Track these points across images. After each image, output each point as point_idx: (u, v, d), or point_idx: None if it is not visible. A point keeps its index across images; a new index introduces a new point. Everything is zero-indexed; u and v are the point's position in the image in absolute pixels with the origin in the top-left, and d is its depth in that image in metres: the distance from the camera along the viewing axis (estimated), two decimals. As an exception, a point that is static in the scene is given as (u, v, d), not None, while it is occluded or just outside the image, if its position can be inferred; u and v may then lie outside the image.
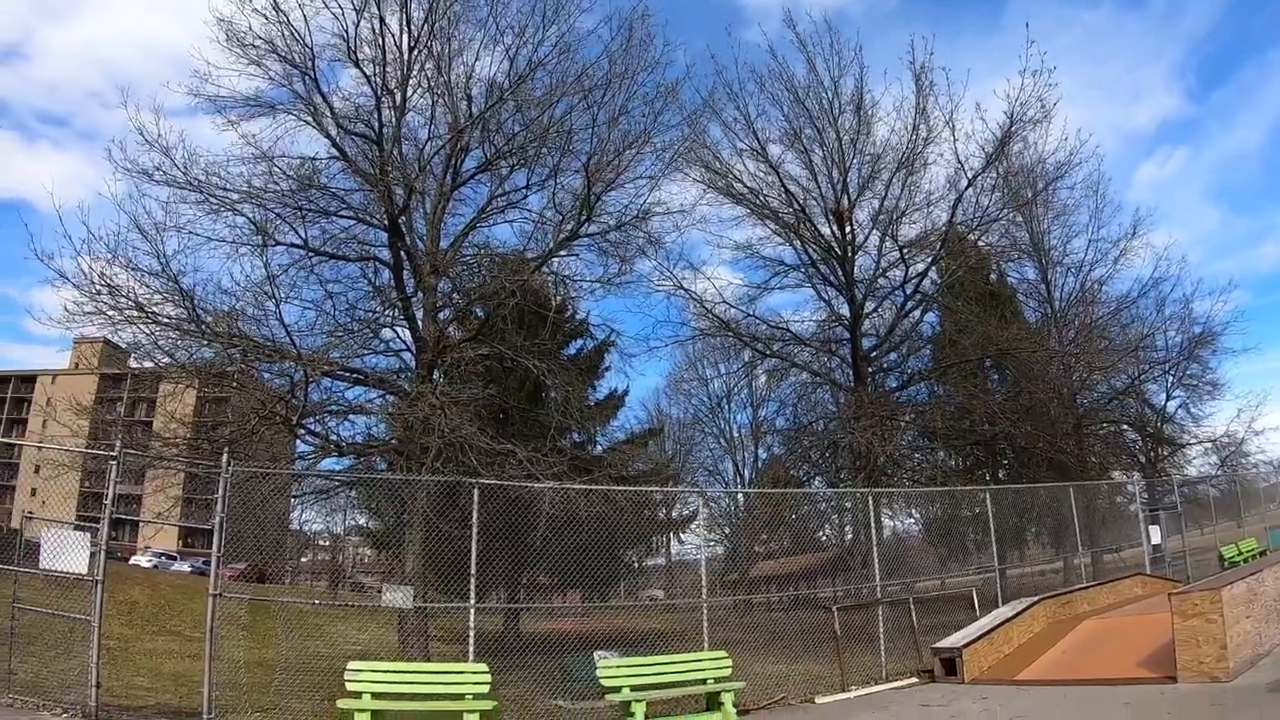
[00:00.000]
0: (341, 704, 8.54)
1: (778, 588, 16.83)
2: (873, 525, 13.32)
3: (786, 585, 16.74)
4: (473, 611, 9.87)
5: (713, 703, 10.00)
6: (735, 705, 9.87)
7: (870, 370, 20.67)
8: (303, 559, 18.07)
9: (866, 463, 18.04)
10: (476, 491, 10.25)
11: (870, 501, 13.66)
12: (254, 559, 11.58)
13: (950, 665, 11.46)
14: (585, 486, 12.29)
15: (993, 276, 24.44)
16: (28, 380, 76.79)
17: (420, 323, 14.42)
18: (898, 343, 21.30)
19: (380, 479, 13.50)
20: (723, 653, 10.53)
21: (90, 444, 14.02)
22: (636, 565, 17.81)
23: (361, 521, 17.86)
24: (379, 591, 12.52)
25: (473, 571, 9.90)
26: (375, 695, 8.75)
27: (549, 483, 11.83)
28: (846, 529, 22.42)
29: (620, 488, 13.60)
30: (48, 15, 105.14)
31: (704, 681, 10.08)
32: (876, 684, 11.57)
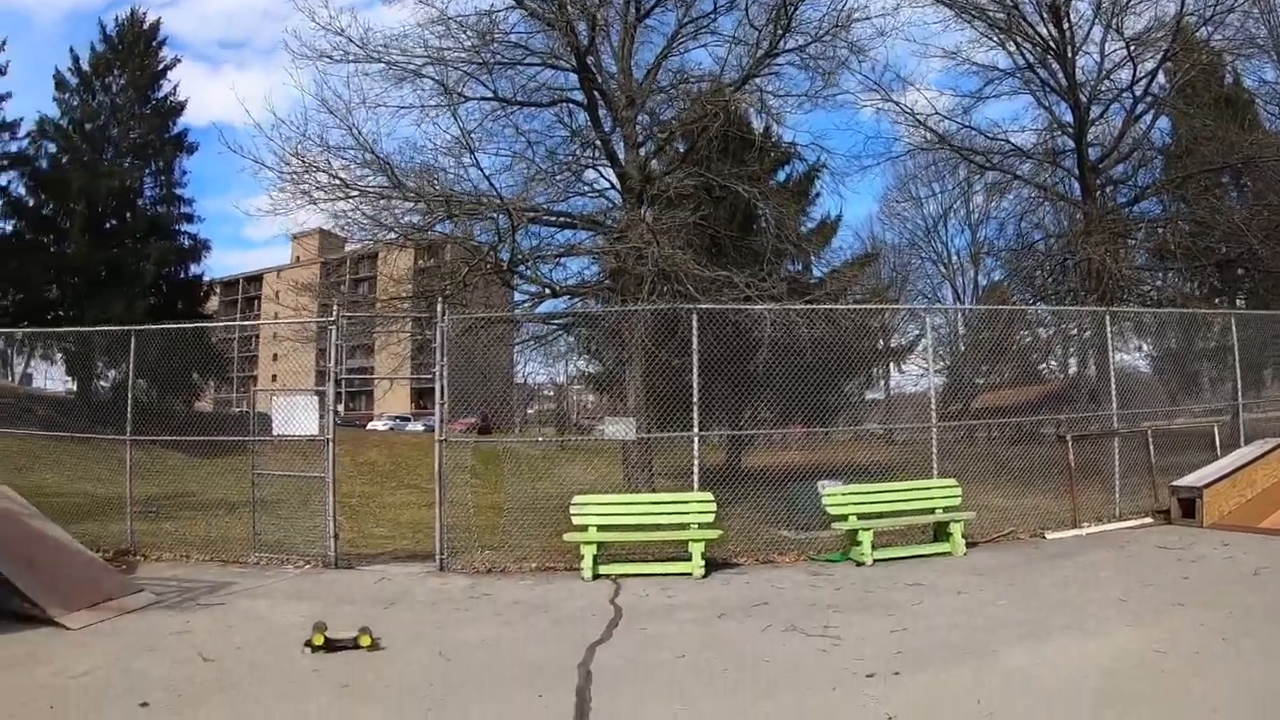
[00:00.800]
0: (568, 537, 8.94)
1: (1000, 420, 15.88)
2: (1109, 347, 12.07)
3: (1009, 418, 15.74)
4: (696, 440, 9.77)
5: (941, 533, 9.56)
6: (963, 537, 9.42)
7: (1098, 183, 18.81)
8: (529, 410, 19.00)
9: (1098, 284, 16.46)
10: (695, 317, 9.97)
11: (1106, 321, 12.34)
12: (481, 412, 12.28)
13: (1189, 507, 10.58)
14: (806, 307, 11.83)
15: (1228, 79, 20.78)
16: (255, 280, 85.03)
17: (622, 160, 14.26)
18: (1127, 153, 18.88)
19: (597, 313, 13.70)
20: (952, 481, 9.97)
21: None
22: (856, 398, 17.34)
23: (581, 366, 18.45)
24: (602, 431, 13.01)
25: (695, 399, 9.69)
26: (601, 528, 8.97)
27: (769, 305, 11.44)
28: (1070, 359, 20.71)
29: (843, 306, 13.08)
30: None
31: (932, 511, 9.66)
32: (1108, 522, 10.83)
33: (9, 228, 29.13)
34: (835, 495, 9.51)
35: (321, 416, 9.77)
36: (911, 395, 16.75)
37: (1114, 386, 11.84)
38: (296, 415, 9.83)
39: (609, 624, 6.95)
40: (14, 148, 29.65)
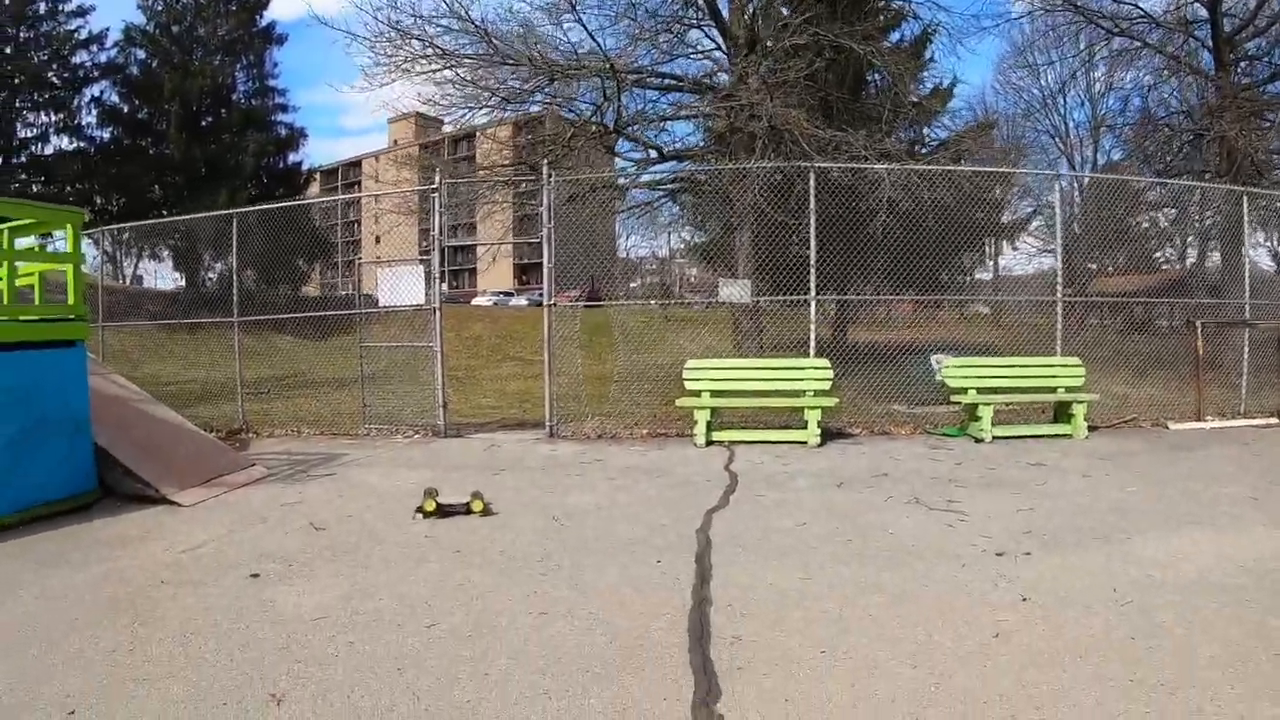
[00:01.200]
0: (681, 403, 8.51)
1: (1115, 308, 14.38)
2: (1245, 230, 10.56)
3: (1127, 304, 14.25)
4: (813, 304, 9.13)
5: (1061, 414, 8.89)
6: (1085, 420, 8.68)
7: (1233, 58, 16.74)
8: (632, 284, 18.55)
9: (1229, 165, 14.78)
10: (813, 175, 9.41)
11: (1244, 202, 10.73)
12: (584, 285, 11.74)
13: (1320, 410, 9.54)
14: (928, 168, 10.88)
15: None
16: (354, 165, 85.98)
17: (726, 16, 13.22)
18: (1264, 26, 16.58)
19: (711, 171, 12.88)
20: (1075, 360, 9.09)
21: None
22: (968, 274, 16.12)
23: (685, 236, 17.71)
24: (706, 305, 12.31)
25: (812, 260, 9.05)
26: (714, 393, 8.56)
27: (889, 165, 10.61)
28: (1190, 247, 18.63)
29: (966, 168, 11.99)
30: None
31: (1053, 390, 8.98)
32: (1232, 419, 9.95)
33: (106, 135, 29.73)
34: (955, 367, 8.85)
35: (427, 285, 9.38)
36: (1020, 277, 15.50)
37: (1247, 273, 10.54)
38: (402, 286, 9.50)
39: (725, 490, 6.50)
40: (103, 58, 29.96)
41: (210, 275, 23.05)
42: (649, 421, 9.32)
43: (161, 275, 29.16)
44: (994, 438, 8.31)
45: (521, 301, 44.97)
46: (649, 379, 9.89)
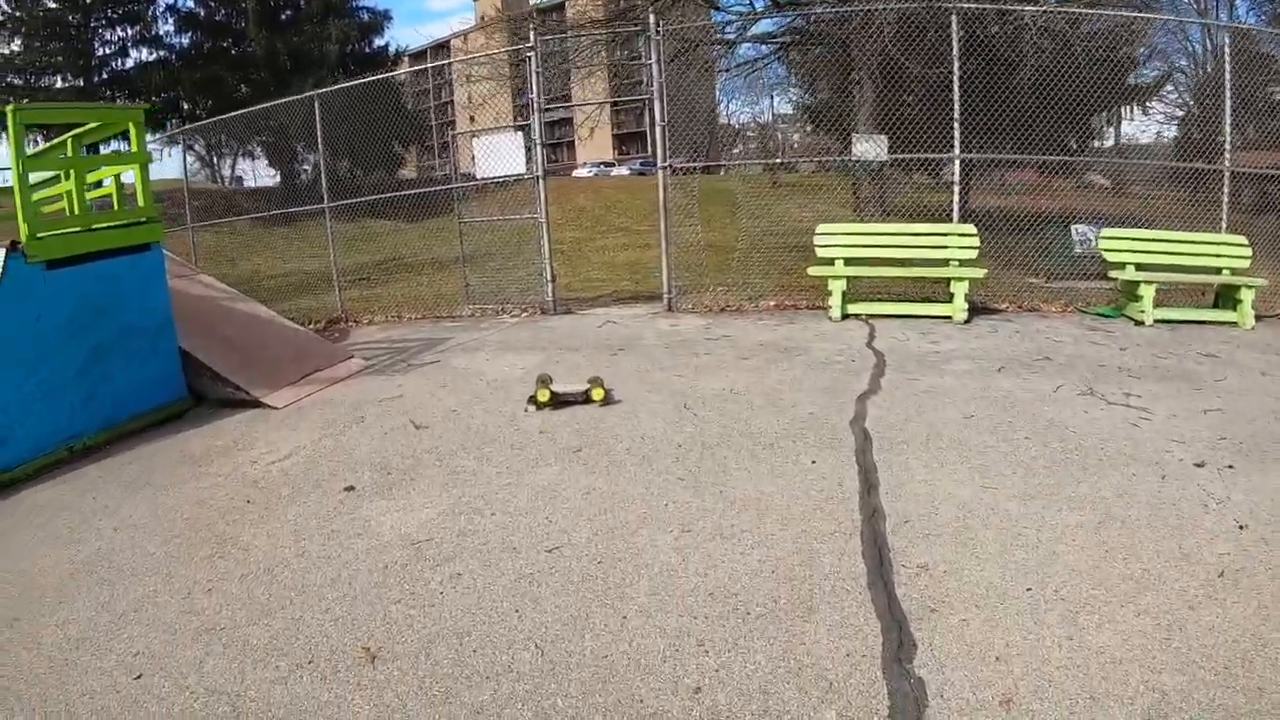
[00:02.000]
0: (813, 271, 7.41)
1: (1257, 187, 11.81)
2: None
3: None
4: (958, 164, 7.71)
5: (1224, 299, 7.31)
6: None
7: None
8: (734, 150, 17.31)
9: None
10: (955, 17, 7.77)
11: None
12: (688, 153, 10.53)
13: None
14: (1083, 10, 9.02)
15: None
16: (442, 47, 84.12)
17: None
18: None
19: (834, 11, 11.20)
20: (1242, 239, 7.42)
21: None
22: (1096, 140, 13.95)
23: (794, 97, 16.11)
24: (815, 169, 10.92)
25: (957, 112, 7.62)
26: (849, 260, 7.46)
27: (1039, 7, 8.89)
28: None
29: (1125, 13, 9.95)
30: None
31: (1218, 271, 7.37)
32: None
33: (185, 41, 29.15)
34: (1112, 239, 7.41)
35: (528, 152, 8.42)
36: (1144, 147, 13.14)
37: None
38: (501, 156, 8.59)
39: (873, 372, 5.50)
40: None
41: (304, 168, 22.72)
42: (775, 292, 8.27)
43: (260, 173, 29.14)
44: (1155, 321, 6.93)
45: (623, 171, 43.54)
46: (771, 247, 8.76)
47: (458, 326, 8.17)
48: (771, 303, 7.99)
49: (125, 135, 5.93)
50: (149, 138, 7.43)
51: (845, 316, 7.24)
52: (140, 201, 5.88)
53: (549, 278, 8.35)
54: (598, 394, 5.03)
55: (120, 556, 3.48)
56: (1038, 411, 4.61)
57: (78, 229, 5.52)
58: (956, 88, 7.62)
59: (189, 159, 13.60)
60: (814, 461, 3.94)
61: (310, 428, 5.12)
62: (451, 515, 3.62)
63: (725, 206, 10.15)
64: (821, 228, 7.59)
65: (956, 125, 7.64)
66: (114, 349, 5.31)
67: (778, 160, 13.09)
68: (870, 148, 8.33)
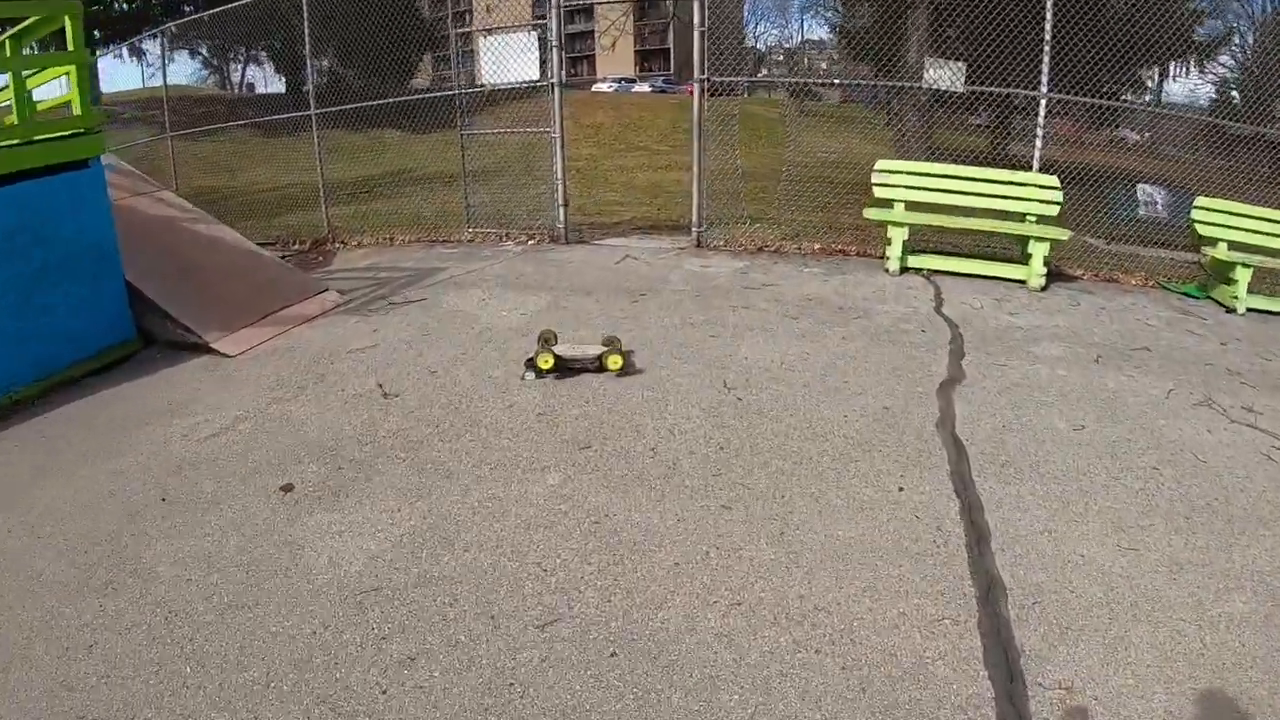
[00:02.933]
0: (870, 214, 6.23)
1: None
2: None
3: None
4: (1044, 103, 6.34)
5: None
6: None
7: None
8: (760, 72, 15.93)
9: None
10: None
11: None
12: (727, 68, 9.21)
13: None
14: None
15: None
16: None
17: None
18: None
19: None
20: None
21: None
22: (1146, 93, 12.40)
23: (828, 19, 14.63)
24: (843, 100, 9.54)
25: (1047, 39, 6.29)
26: (910, 205, 6.31)
27: None
28: None
29: None
30: None
31: None
32: None
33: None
34: (1207, 210, 6.06)
35: (543, 57, 7.19)
36: (1183, 105, 11.50)
37: None
38: (513, 59, 7.36)
39: (951, 350, 4.45)
40: None
41: (311, 75, 21.17)
42: (820, 232, 7.12)
43: (270, 81, 27.29)
44: (1247, 310, 5.70)
45: (645, 88, 41.39)
46: (814, 180, 7.56)
47: (454, 254, 7.11)
48: (816, 245, 6.88)
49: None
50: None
51: (904, 270, 6.13)
52: (77, 110, 4.89)
53: (561, 201, 7.24)
54: (614, 362, 4.03)
55: (1, 581, 2.59)
56: (1154, 426, 3.58)
57: (14, 142, 4.51)
58: (1050, 12, 6.28)
59: (195, 64, 12.32)
60: (901, 488, 2.96)
61: (260, 387, 4.16)
62: (411, 545, 2.68)
63: (754, 131, 8.90)
64: (881, 164, 6.40)
65: (1046, 57, 6.32)
66: (46, 284, 4.41)
67: (833, 82, 11.70)
68: (944, 75, 7.06)
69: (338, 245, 7.91)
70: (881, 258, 6.35)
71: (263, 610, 2.40)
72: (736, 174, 6.99)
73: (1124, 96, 11.15)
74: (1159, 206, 7.56)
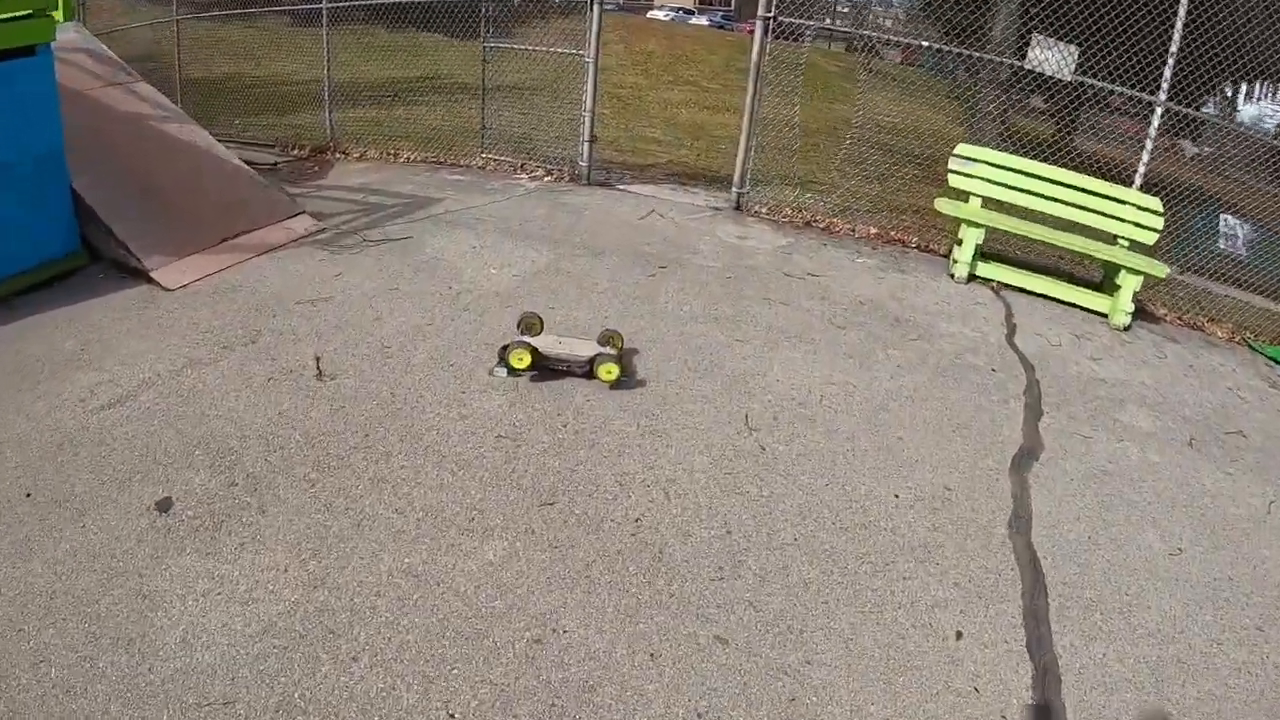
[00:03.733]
0: (942, 206, 5.23)
1: None
2: None
3: None
4: (1158, 115, 5.27)
5: None
6: None
7: None
8: (825, 20, 14.52)
9: None
10: None
11: None
12: (779, 14, 8.04)
13: None
14: None
15: None
16: None
17: None
18: None
19: None
20: None
21: None
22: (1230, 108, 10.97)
23: None
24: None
25: (1175, 38, 5.17)
26: (987, 201, 5.33)
27: None
28: None
29: None
30: None
31: None
32: None
33: None
34: None
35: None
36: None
37: None
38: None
39: (1026, 404, 3.60)
40: None
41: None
42: (877, 213, 6.12)
43: None
44: None
45: (702, 21, 39.27)
46: (875, 145, 6.53)
47: (459, 182, 6.25)
48: (873, 229, 5.92)
49: None
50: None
51: (971, 277, 5.18)
52: (22, -17, 4.01)
53: (586, 137, 6.30)
54: (607, 372, 3.22)
55: None
56: (1258, 557, 2.78)
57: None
58: (1183, 11, 5.14)
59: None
60: (959, 632, 2.18)
61: (184, 341, 3.42)
62: (287, 636, 1.96)
63: (810, 83, 7.79)
64: (962, 148, 5.36)
65: (1171, 60, 5.21)
66: None
67: (913, 42, 10.48)
68: (1052, 57, 5.97)
69: (338, 156, 7.05)
70: (946, 256, 5.44)
71: (89, 703, 1.72)
72: (792, 129, 6.00)
73: (1205, 107, 9.88)
74: (1239, 242, 6.47)
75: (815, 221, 5.94)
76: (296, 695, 1.83)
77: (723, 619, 2.14)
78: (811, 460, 2.89)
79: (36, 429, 2.74)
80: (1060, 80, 5.69)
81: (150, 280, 4.00)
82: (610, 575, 2.25)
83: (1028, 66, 5.74)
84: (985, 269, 5.19)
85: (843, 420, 3.20)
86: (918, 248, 5.74)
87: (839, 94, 8.34)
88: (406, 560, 2.24)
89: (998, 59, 6.34)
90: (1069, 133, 7.87)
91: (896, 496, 2.75)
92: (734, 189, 6.00)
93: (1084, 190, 5.21)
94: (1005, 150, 5.57)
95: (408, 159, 6.99)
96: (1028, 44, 6.00)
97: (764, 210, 6.03)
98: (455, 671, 1.91)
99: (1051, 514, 2.78)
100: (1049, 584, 2.43)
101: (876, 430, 3.16)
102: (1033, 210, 5.26)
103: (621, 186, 6.51)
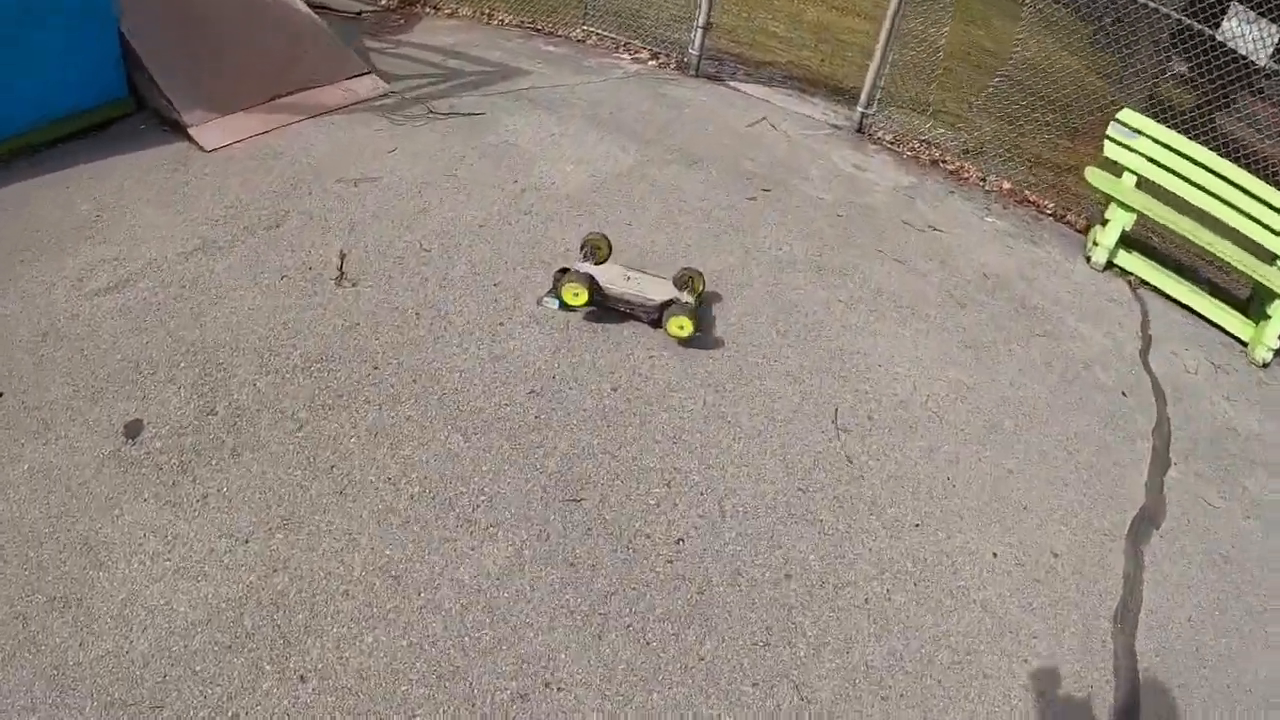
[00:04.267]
0: (1093, 178, 4.29)
1: None
2: None
3: None
4: None
5: None
6: None
7: None
8: None
9: None
10: None
11: None
12: None
13: None
14: None
15: None
16: None
17: None
18: None
19: None
20: None
21: None
22: None
23: None
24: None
25: None
26: (1141, 181, 4.41)
27: None
28: None
29: None
30: None
31: None
32: None
33: None
34: None
35: None
36: None
37: None
38: None
39: (1153, 450, 2.93)
40: None
41: None
42: (1013, 164, 5.19)
43: None
44: None
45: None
46: (1024, 91, 5.53)
47: (553, 55, 5.59)
48: (1006, 183, 5.05)
49: None
50: None
51: (1109, 265, 4.34)
52: None
53: (701, 23, 5.52)
54: (679, 327, 2.68)
55: None
56: None
57: None
58: None
59: None
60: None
61: (202, 218, 3.02)
62: (233, 630, 1.61)
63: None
64: (1126, 114, 4.38)
65: None
66: (15, 24, 3.25)
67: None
68: (1248, 33, 4.83)
69: (427, 10, 6.39)
70: (1081, 232, 4.62)
71: (14, 673, 1.45)
72: (936, 52, 5.11)
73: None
74: None
75: (943, 161, 5.13)
76: (230, 711, 1.48)
77: (758, 704, 1.69)
78: (904, 487, 2.36)
79: (26, 311, 2.41)
80: (1243, 57, 4.65)
81: (189, 138, 3.58)
82: (631, 617, 1.80)
83: (1219, 39, 4.67)
84: (1126, 259, 4.35)
85: (948, 435, 2.62)
86: (1053, 215, 4.88)
87: (976, 17, 7.23)
88: (388, 553, 1.84)
89: (1168, 11, 5.18)
90: (1213, 110, 6.56)
91: (995, 555, 2.21)
92: (859, 108, 5.19)
93: (1251, 194, 4.25)
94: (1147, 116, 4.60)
95: (501, 21, 6.30)
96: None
97: (888, 139, 5.23)
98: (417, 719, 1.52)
99: (1163, 610, 2.22)
100: (1143, 709, 1.89)
101: (986, 456, 2.58)
102: (1185, 201, 4.34)
103: (733, 83, 5.75)
